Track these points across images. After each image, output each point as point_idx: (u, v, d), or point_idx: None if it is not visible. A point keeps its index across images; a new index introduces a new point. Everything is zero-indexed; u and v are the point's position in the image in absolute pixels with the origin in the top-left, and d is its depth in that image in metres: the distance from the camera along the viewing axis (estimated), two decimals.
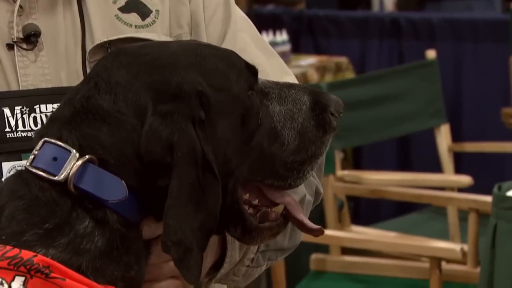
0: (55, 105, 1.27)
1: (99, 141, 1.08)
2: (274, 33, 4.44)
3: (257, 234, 1.16)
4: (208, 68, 1.12)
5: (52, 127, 1.11)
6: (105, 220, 1.06)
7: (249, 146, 1.12)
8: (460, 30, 4.53)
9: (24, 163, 1.22)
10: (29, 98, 1.28)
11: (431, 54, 3.81)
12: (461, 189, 3.26)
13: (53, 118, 1.13)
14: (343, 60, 4.52)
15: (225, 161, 1.10)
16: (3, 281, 1.01)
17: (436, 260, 2.60)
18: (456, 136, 3.91)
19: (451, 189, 3.32)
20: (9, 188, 1.09)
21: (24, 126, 1.28)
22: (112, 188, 1.07)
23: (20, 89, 1.29)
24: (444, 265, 2.64)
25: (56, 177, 1.06)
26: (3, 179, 1.23)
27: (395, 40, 4.70)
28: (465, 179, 3.23)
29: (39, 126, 1.28)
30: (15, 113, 1.28)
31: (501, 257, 2.15)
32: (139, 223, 1.09)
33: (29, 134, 1.27)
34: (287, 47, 4.44)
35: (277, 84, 1.17)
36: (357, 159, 4.46)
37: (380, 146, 4.26)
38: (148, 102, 1.08)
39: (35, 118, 1.28)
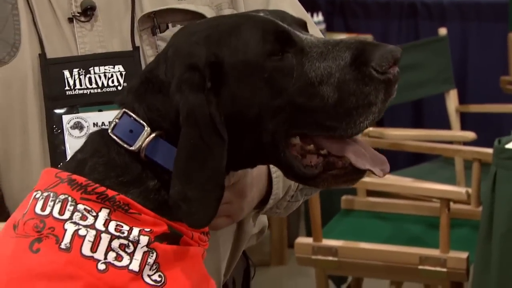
0: (107, 67, 1.28)
1: (160, 113, 1.06)
2: (312, 15, 4.41)
3: (321, 181, 1.09)
4: (229, 40, 1.06)
5: (127, 97, 1.10)
6: (169, 181, 1.05)
7: (278, 103, 1.05)
8: (467, 11, 4.48)
9: (81, 115, 1.27)
10: (85, 62, 1.28)
11: (442, 31, 3.78)
12: (466, 143, 3.25)
13: (128, 88, 1.12)
14: (368, 37, 4.48)
15: (253, 119, 1.05)
16: (92, 210, 1.02)
17: (445, 201, 2.59)
18: (462, 99, 3.90)
19: (458, 143, 3.31)
20: (92, 145, 1.08)
21: (80, 85, 1.27)
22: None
23: (79, 54, 1.28)
24: (452, 205, 2.62)
25: (132, 147, 1.05)
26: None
27: (412, 20, 4.65)
28: (470, 134, 3.22)
29: (93, 85, 1.27)
30: (73, 75, 1.27)
31: (499, 199, 2.14)
32: None
33: (85, 91, 1.27)
34: (322, 27, 4.41)
35: (325, 42, 1.07)
36: (380, 119, 4.44)
37: (399, 107, 4.24)
38: (177, 72, 1.06)
39: (90, 78, 1.28)
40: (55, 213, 1.02)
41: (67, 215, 1.01)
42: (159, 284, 0.99)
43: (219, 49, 1.06)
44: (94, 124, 1.27)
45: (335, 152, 1.08)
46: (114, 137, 1.06)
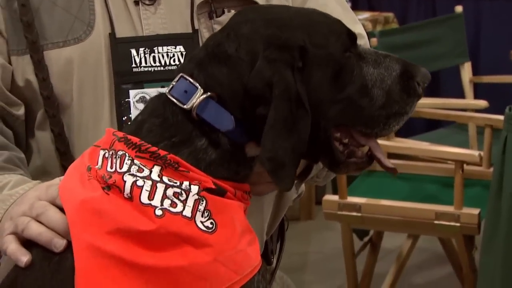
0: (169, 47, 1.28)
1: (219, 81, 1.06)
2: None
3: (344, 167, 1.12)
4: (313, 30, 1.09)
5: (188, 65, 1.10)
6: (217, 140, 1.06)
7: (340, 95, 1.08)
8: None
9: (146, 90, 1.26)
10: (150, 42, 1.28)
11: (458, 9, 3.74)
12: (478, 110, 3.22)
13: (191, 57, 1.12)
14: (390, 15, 4.44)
15: (318, 103, 1.07)
16: (145, 168, 1.02)
17: (459, 163, 2.57)
18: (476, 71, 3.86)
19: (471, 110, 3.28)
20: (151, 107, 1.09)
21: (146, 63, 1.27)
22: (225, 120, 1.06)
23: (144, 35, 1.28)
24: (465, 166, 2.61)
25: (185, 105, 1.06)
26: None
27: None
28: (482, 103, 3.19)
29: (157, 63, 1.27)
30: (139, 53, 1.27)
31: (509, 161, 2.13)
32: (244, 144, 1.08)
33: (149, 69, 1.27)
34: (348, 5, 4.38)
35: (375, 52, 1.13)
36: None
37: None
38: (260, 50, 1.06)
39: (154, 57, 1.28)
40: (116, 167, 1.03)
41: (125, 168, 1.02)
42: (211, 230, 1.00)
43: (306, 36, 1.07)
44: None
45: (362, 142, 1.13)
46: (170, 97, 1.07)
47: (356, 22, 1.42)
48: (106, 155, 1.05)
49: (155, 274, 0.97)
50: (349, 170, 1.14)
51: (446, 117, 3.30)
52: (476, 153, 2.60)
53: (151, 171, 1.02)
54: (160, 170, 1.02)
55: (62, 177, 1.10)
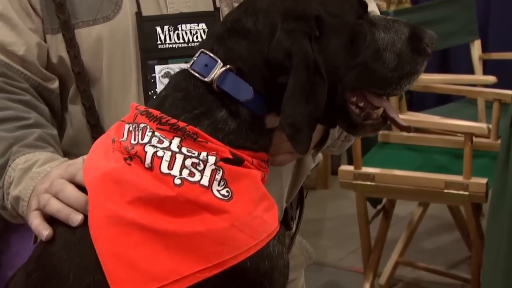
0: (192, 25, 1.27)
1: (239, 54, 1.06)
2: None
3: (361, 129, 1.13)
4: (327, 0, 1.09)
5: (208, 40, 1.10)
6: (237, 111, 1.05)
7: (355, 61, 1.08)
8: None
9: (170, 66, 1.26)
10: (174, 20, 1.27)
11: None
12: (487, 86, 3.19)
13: (210, 33, 1.12)
14: None
15: (334, 69, 1.07)
16: (165, 139, 1.02)
17: (469, 135, 2.56)
18: (485, 48, 3.81)
19: (480, 85, 3.25)
20: (174, 82, 1.09)
21: (170, 40, 1.27)
22: (243, 91, 1.05)
23: (168, 13, 1.27)
24: (474, 138, 2.60)
25: (206, 78, 1.05)
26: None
27: None
28: (491, 78, 3.16)
29: (180, 40, 1.27)
30: (164, 31, 1.27)
31: None
32: (264, 116, 1.08)
33: (174, 46, 1.27)
34: None
35: (384, 18, 1.13)
36: None
37: None
38: (278, 22, 1.05)
39: (177, 34, 1.27)
40: (138, 139, 1.04)
41: (146, 139, 1.02)
42: (227, 198, 1.00)
43: (321, 5, 1.07)
44: None
45: (376, 103, 1.13)
46: (192, 71, 1.07)
47: (370, 1, 1.41)
48: (130, 128, 1.06)
49: (175, 239, 0.97)
50: (366, 131, 1.14)
51: (457, 92, 3.27)
52: (484, 126, 2.59)
53: (170, 143, 1.02)
54: (180, 141, 1.02)
55: (85, 156, 1.10)
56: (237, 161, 1.03)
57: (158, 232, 0.96)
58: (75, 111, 1.29)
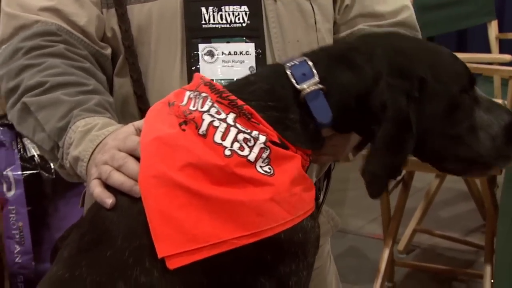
0: (235, 7, 1.27)
1: (338, 81, 1.06)
2: None
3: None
4: (437, 65, 1.07)
5: (317, 53, 1.10)
6: (306, 122, 1.06)
7: (449, 130, 1.06)
8: None
9: (213, 45, 1.26)
10: (218, 1, 1.27)
11: None
12: (503, 64, 3.15)
13: (323, 48, 1.12)
14: None
15: (425, 132, 1.06)
16: (223, 112, 1.03)
17: None
18: (501, 28, 3.78)
19: (497, 64, 3.21)
20: (266, 74, 1.09)
21: (214, 20, 1.27)
22: (324, 114, 1.05)
23: None
24: None
25: (298, 85, 1.06)
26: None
27: None
28: (507, 57, 3.12)
29: (223, 20, 1.27)
30: (208, 11, 1.27)
31: None
32: (324, 128, 1.08)
33: (217, 26, 1.27)
34: None
35: (489, 100, 1.11)
36: None
37: (448, 35, 4.13)
38: (384, 72, 1.05)
39: (221, 15, 1.27)
40: (198, 106, 1.04)
41: (205, 108, 1.03)
42: (269, 174, 1.00)
43: (429, 69, 1.06)
44: (222, 52, 1.27)
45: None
46: (288, 72, 1.07)
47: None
48: (191, 95, 1.06)
49: (218, 205, 0.97)
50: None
51: (474, 70, 3.17)
52: (500, 101, 2.56)
53: (227, 116, 1.02)
54: (235, 118, 1.02)
55: (136, 122, 1.11)
56: (283, 147, 1.03)
57: (203, 197, 0.97)
58: (121, 83, 1.30)
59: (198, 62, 1.26)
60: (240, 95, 1.05)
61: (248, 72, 1.23)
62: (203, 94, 1.05)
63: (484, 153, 1.08)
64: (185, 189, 0.97)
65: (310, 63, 1.07)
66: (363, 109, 1.05)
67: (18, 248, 2.30)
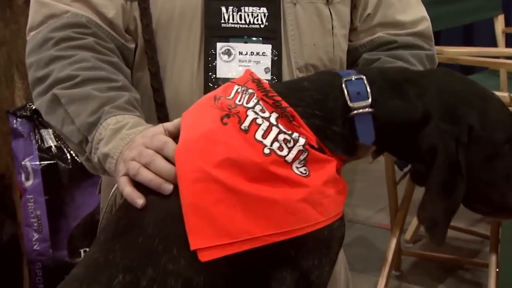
0: (254, 8, 1.27)
1: (387, 107, 1.06)
2: None
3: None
4: (487, 113, 1.07)
5: (374, 73, 1.09)
6: (348, 137, 1.06)
7: (485, 176, 1.07)
8: None
9: (231, 44, 1.26)
10: (238, 2, 1.27)
11: None
12: (509, 58, 3.15)
13: (380, 70, 1.12)
14: None
15: (472, 179, 1.06)
16: (267, 111, 1.03)
17: None
18: (508, 22, 3.76)
19: (503, 58, 3.21)
20: (322, 83, 1.09)
21: (233, 20, 1.27)
22: (368, 136, 1.06)
23: None
24: None
25: (350, 103, 1.06)
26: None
27: None
28: None
29: (242, 21, 1.27)
30: (228, 11, 1.27)
31: None
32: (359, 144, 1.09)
33: (235, 25, 1.27)
34: None
35: None
36: (437, 38, 4.31)
37: (455, 30, 4.11)
38: (436, 113, 1.05)
39: (240, 15, 1.27)
40: (244, 101, 1.04)
41: (251, 104, 1.03)
42: (304, 175, 1.00)
43: (479, 117, 1.06)
44: (239, 52, 1.28)
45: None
46: (344, 87, 1.07)
47: (420, 4, 1.41)
48: (239, 90, 1.07)
49: (252, 202, 0.97)
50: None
51: (480, 64, 3.23)
52: (506, 94, 2.56)
53: (270, 115, 1.02)
54: (277, 118, 1.02)
55: (165, 124, 1.11)
56: (320, 151, 1.04)
57: (238, 193, 0.97)
58: (139, 76, 1.31)
59: (215, 60, 1.27)
60: (288, 99, 1.05)
61: (263, 73, 1.24)
62: (250, 91, 1.05)
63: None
64: (221, 185, 0.97)
65: (366, 83, 1.06)
66: (405, 140, 1.06)
67: (36, 235, 2.32)
